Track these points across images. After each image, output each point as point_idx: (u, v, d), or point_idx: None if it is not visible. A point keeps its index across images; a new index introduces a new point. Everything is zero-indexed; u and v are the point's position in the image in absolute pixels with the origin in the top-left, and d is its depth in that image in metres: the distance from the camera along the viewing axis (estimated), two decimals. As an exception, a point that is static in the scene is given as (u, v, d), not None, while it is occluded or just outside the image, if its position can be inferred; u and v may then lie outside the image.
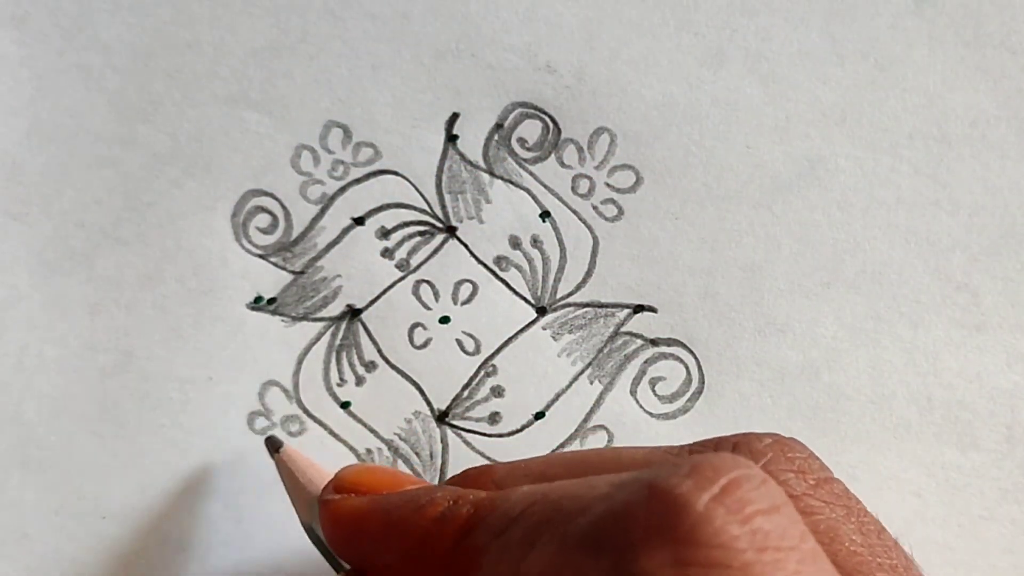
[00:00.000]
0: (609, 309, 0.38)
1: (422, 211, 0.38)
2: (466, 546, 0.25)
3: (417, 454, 0.38)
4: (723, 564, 0.20)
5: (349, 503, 0.29)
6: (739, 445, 0.27)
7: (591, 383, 0.38)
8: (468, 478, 0.31)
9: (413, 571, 0.26)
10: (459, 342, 0.38)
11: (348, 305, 0.38)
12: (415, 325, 0.38)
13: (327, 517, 0.30)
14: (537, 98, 0.38)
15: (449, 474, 0.38)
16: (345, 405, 0.38)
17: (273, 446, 0.35)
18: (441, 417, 0.38)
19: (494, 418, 0.38)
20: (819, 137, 0.39)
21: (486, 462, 0.38)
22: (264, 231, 0.37)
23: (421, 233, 0.38)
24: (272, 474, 0.36)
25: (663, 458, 0.27)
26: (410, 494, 0.28)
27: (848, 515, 0.26)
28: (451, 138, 0.38)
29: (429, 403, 0.38)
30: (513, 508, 0.24)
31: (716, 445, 0.28)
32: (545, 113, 0.38)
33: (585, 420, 0.38)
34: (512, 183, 0.38)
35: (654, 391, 0.38)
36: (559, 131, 0.38)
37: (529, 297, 0.38)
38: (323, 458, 0.37)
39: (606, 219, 0.38)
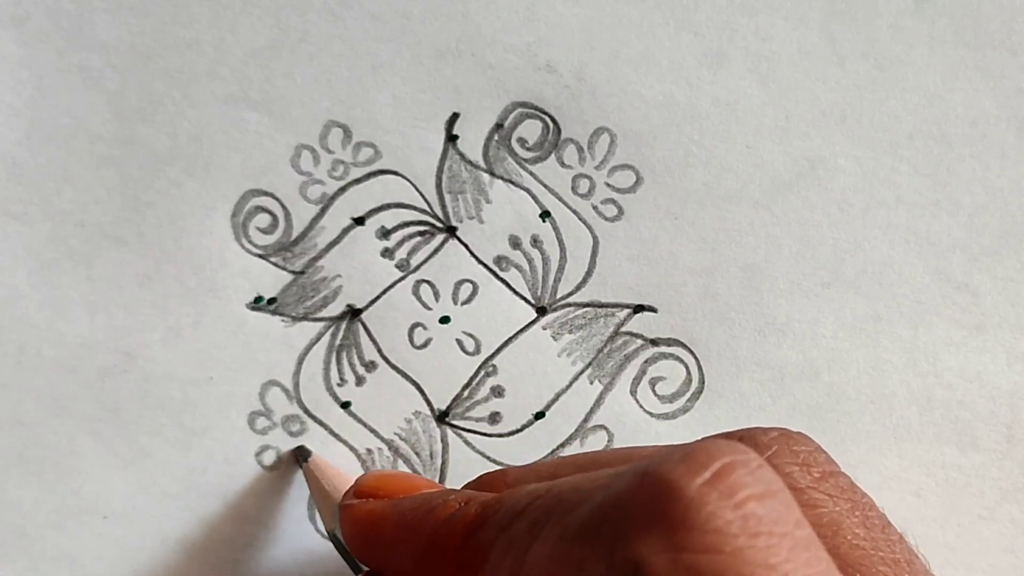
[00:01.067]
0: (609, 309, 0.38)
1: (422, 211, 0.38)
2: (474, 543, 0.25)
3: (417, 454, 0.38)
4: (715, 549, 0.20)
5: (367, 507, 0.30)
6: (744, 438, 0.27)
7: (591, 383, 0.38)
8: (484, 483, 0.31)
9: (426, 572, 0.27)
10: (459, 342, 0.38)
11: (348, 305, 0.38)
12: (415, 325, 0.38)
13: (346, 520, 0.30)
14: (537, 98, 0.38)
15: (449, 474, 0.38)
16: (345, 405, 0.38)
17: (302, 455, 0.36)
18: (441, 417, 0.38)
19: (494, 418, 0.38)
20: (819, 137, 0.39)
21: (486, 462, 0.38)
22: (264, 231, 0.37)
23: (421, 233, 0.38)
24: (273, 475, 0.36)
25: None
26: (424, 497, 0.28)
27: (853, 509, 0.26)
28: (451, 138, 0.38)
29: (429, 403, 0.38)
30: (518, 504, 0.24)
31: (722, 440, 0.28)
32: (545, 113, 0.38)
33: (585, 420, 0.38)
34: (512, 183, 0.38)
35: (654, 391, 0.38)
36: (559, 131, 0.38)
37: (529, 297, 0.38)
38: (323, 457, 0.37)
39: (606, 219, 0.38)
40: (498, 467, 0.38)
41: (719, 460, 0.21)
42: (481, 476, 0.32)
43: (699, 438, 0.28)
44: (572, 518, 0.22)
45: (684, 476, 0.21)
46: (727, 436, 0.27)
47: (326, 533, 0.34)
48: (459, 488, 0.30)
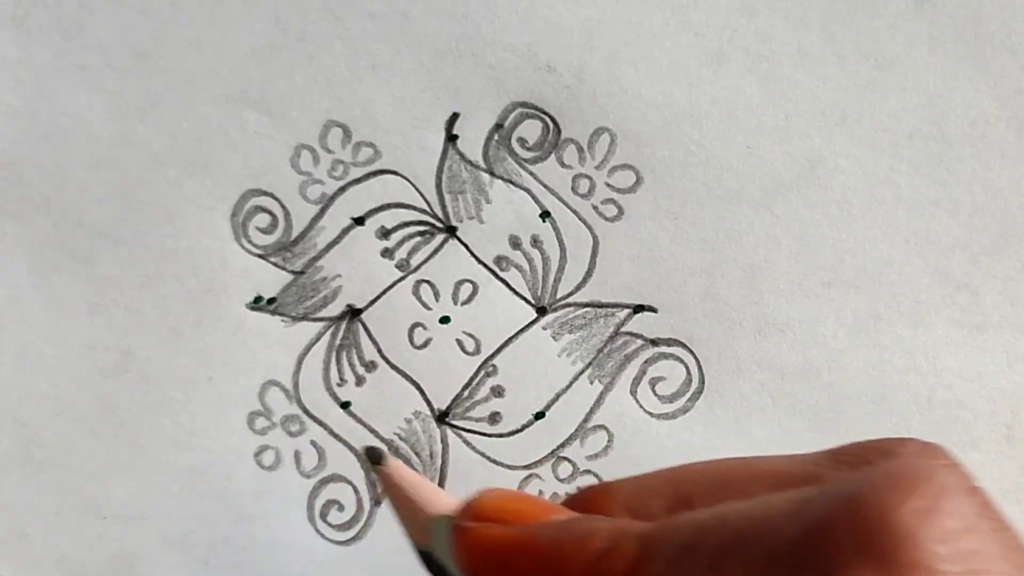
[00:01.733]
0: (609, 309, 0.38)
1: (422, 211, 0.38)
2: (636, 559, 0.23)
3: (417, 454, 0.38)
4: None
5: (492, 532, 0.27)
6: (887, 452, 0.25)
7: (591, 383, 0.38)
8: (587, 500, 0.29)
9: None
10: (459, 342, 0.38)
11: (348, 305, 0.38)
12: (415, 325, 0.38)
13: (466, 546, 0.27)
14: (537, 98, 0.38)
15: (449, 474, 0.38)
16: (345, 405, 0.38)
17: (375, 458, 0.32)
18: (441, 417, 0.38)
19: (494, 418, 0.38)
20: (819, 137, 0.39)
21: (486, 462, 0.38)
22: (264, 231, 0.37)
23: (421, 233, 0.38)
24: (273, 475, 0.36)
25: (817, 468, 0.26)
26: (563, 526, 0.26)
27: (993, 531, 0.25)
28: (451, 138, 0.38)
29: (429, 403, 0.38)
30: (687, 537, 0.23)
31: (860, 451, 0.26)
32: (545, 113, 0.38)
33: (585, 420, 0.38)
34: (512, 183, 0.38)
35: (654, 391, 0.38)
36: (559, 131, 0.38)
37: (529, 297, 0.38)
38: (398, 460, 0.36)
39: (606, 219, 0.38)
40: (499, 466, 0.38)
41: (929, 485, 0.21)
42: (583, 492, 0.29)
43: (812, 451, 0.27)
44: (759, 551, 0.21)
45: (894, 504, 0.20)
46: (864, 448, 0.26)
47: (415, 548, 0.32)
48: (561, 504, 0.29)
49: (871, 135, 0.39)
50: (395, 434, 0.38)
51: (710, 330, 0.38)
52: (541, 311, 0.38)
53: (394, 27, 0.38)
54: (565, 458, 0.38)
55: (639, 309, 0.38)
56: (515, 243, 0.38)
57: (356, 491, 0.37)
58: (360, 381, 0.38)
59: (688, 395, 0.38)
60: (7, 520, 0.36)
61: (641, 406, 0.38)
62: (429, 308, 0.38)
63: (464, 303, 0.38)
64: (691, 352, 0.38)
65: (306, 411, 0.37)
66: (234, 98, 0.37)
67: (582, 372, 0.38)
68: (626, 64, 0.38)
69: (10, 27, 0.36)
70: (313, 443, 0.37)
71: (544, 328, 0.38)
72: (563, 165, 0.38)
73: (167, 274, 0.37)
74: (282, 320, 0.37)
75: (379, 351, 0.38)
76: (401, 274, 0.38)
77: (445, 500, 0.30)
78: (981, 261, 0.39)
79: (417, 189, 0.38)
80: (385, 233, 0.38)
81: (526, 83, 0.38)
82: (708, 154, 0.39)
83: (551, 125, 0.38)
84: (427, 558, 0.31)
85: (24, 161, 0.36)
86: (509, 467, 0.38)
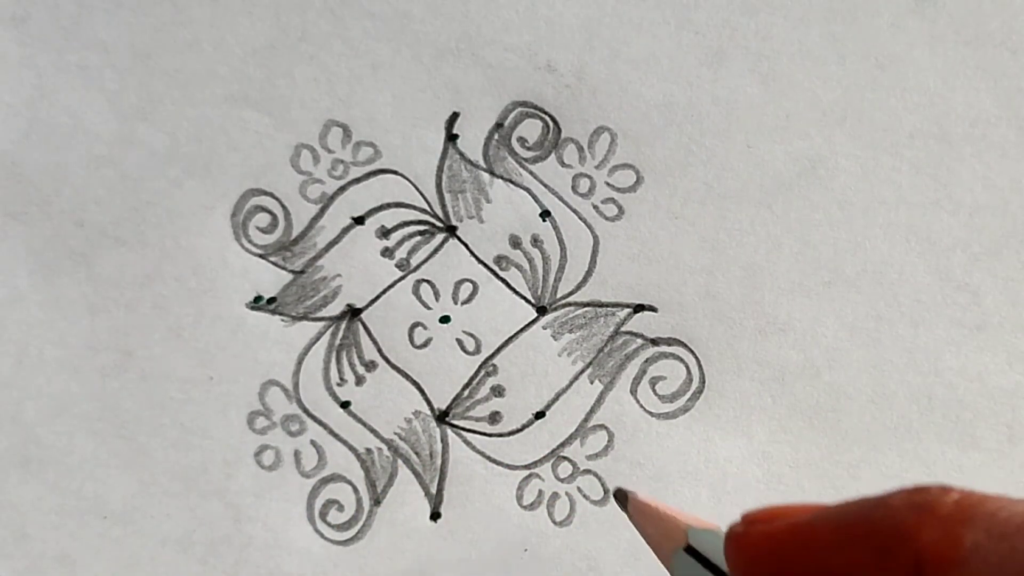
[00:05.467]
0: (609, 308, 0.38)
1: (422, 210, 0.38)
2: (951, 536, 0.22)
3: (417, 454, 0.38)
4: None
5: (778, 525, 0.26)
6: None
7: (591, 382, 0.38)
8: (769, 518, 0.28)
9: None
10: (459, 341, 0.38)
11: (348, 304, 0.38)
12: (415, 325, 0.38)
13: (746, 548, 0.27)
14: (537, 97, 0.38)
15: (449, 474, 0.38)
16: (345, 405, 0.37)
17: (621, 497, 0.34)
18: (441, 417, 0.38)
19: (494, 418, 0.38)
20: (820, 136, 0.39)
21: (486, 462, 0.38)
22: (264, 230, 0.37)
23: (421, 232, 0.38)
24: (272, 475, 0.36)
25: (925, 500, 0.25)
26: (857, 499, 0.25)
27: None
28: (451, 137, 0.38)
29: (429, 403, 0.38)
30: (1014, 515, 0.22)
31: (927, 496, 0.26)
32: (545, 112, 0.38)
33: (585, 420, 0.38)
34: (512, 182, 0.38)
35: (655, 390, 0.38)
36: (559, 130, 0.38)
37: (529, 296, 0.38)
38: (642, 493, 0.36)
39: (606, 218, 0.38)
40: (499, 465, 0.38)
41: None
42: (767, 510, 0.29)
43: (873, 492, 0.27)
44: None
45: None
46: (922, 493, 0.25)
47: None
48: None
49: (872, 134, 0.39)
50: (395, 434, 0.38)
51: (710, 330, 0.38)
52: (541, 311, 0.38)
53: (394, 27, 0.38)
54: (565, 458, 0.38)
55: (639, 308, 0.38)
56: (515, 242, 0.38)
57: (356, 491, 0.37)
58: (360, 381, 0.38)
59: (688, 395, 0.38)
60: (7, 520, 0.36)
61: (641, 405, 0.38)
62: (429, 308, 0.38)
63: (464, 303, 0.38)
64: (691, 352, 0.38)
65: (306, 411, 0.37)
66: (234, 98, 0.37)
67: (582, 372, 0.38)
68: (626, 63, 0.38)
69: (10, 27, 0.36)
70: (313, 443, 0.37)
71: (544, 328, 0.38)
72: (563, 164, 0.38)
73: (167, 274, 0.37)
74: (282, 320, 0.37)
75: (379, 351, 0.38)
76: (401, 274, 0.38)
77: (674, 528, 0.30)
78: (981, 261, 0.39)
79: (417, 188, 0.38)
80: (385, 232, 0.38)
81: (526, 83, 0.38)
82: (708, 153, 0.38)
83: (551, 124, 0.38)
84: None
85: (24, 161, 0.36)
86: (509, 467, 0.38)
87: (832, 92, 0.39)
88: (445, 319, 0.38)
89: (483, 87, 0.38)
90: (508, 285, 0.38)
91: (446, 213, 0.38)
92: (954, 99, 0.39)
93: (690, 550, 0.30)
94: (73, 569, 0.36)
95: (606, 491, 0.38)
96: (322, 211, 0.38)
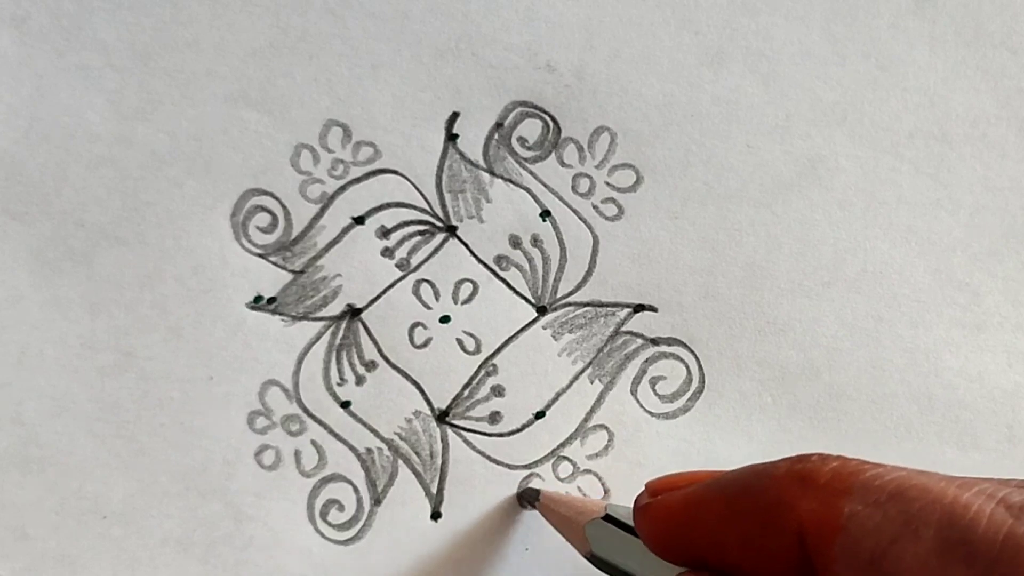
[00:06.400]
0: (609, 308, 0.38)
1: (422, 210, 0.38)
2: (829, 506, 0.23)
3: (417, 454, 0.38)
4: None
5: (675, 496, 0.27)
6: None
7: (591, 382, 0.38)
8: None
9: (759, 544, 0.25)
10: (459, 341, 0.38)
11: (348, 304, 0.38)
12: (415, 324, 0.38)
13: (649, 519, 0.28)
14: (537, 97, 0.38)
15: (449, 474, 0.38)
16: (345, 405, 0.37)
17: (529, 500, 0.36)
18: (441, 417, 0.38)
19: (494, 417, 0.38)
20: (820, 136, 0.39)
21: (487, 462, 0.38)
22: (264, 230, 0.37)
23: (421, 232, 0.38)
24: (273, 475, 0.36)
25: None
26: (746, 468, 0.26)
27: None
28: (451, 137, 0.38)
29: (429, 402, 0.38)
30: (886, 483, 0.23)
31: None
32: (545, 112, 0.38)
33: (586, 419, 0.38)
34: (512, 182, 0.38)
35: (655, 390, 0.38)
36: (559, 130, 0.38)
37: (529, 296, 0.38)
38: (550, 489, 0.37)
39: (606, 218, 0.38)
40: (499, 465, 0.38)
41: None
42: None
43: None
44: (956, 533, 0.22)
45: None
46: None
47: (584, 556, 0.33)
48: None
49: (872, 135, 0.39)
50: (395, 434, 0.38)
51: (710, 329, 0.38)
52: (541, 310, 0.38)
53: (394, 27, 0.38)
54: (565, 457, 0.38)
55: (639, 308, 0.38)
56: (515, 242, 0.38)
57: (356, 491, 0.37)
58: (360, 381, 0.38)
59: (688, 394, 0.38)
60: (7, 520, 0.36)
61: (641, 405, 0.38)
62: (429, 307, 0.38)
63: (464, 302, 0.38)
64: (691, 351, 0.38)
65: (306, 411, 0.37)
66: (234, 98, 0.37)
67: (582, 371, 0.38)
68: (626, 63, 0.38)
69: (10, 27, 0.36)
70: (313, 443, 0.37)
71: (544, 327, 0.38)
72: (563, 164, 0.38)
73: (167, 274, 0.37)
74: (282, 320, 0.37)
75: (379, 350, 0.38)
76: (401, 273, 0.38)
77: (591, 507, 0.32)
78: (981, 261, 0.39)
79: (417, 188, 0.38)
80: (385, 232, 0.38)
81: (526, 82, 0.38)
82: (709, 153, 0.38)
83: (551, 124, 0.38)
84: (595, 561, 0.31)
85: (24, 161, 0.36)
86: (509, 466, 0.38)
87: (832, 92, 0.39)
88: (445, 319, 0.38)
89: (483, 87, 0.38)
90: (508, 285, 0.38)
91: (446, 213, 0.38)
92: (954, 99, 0.39)
93: (608, 519, 0.31)
94: (73, 569, 0.36)
95: (606, 491, 0.38)
96: (322, 211, 0.38)
